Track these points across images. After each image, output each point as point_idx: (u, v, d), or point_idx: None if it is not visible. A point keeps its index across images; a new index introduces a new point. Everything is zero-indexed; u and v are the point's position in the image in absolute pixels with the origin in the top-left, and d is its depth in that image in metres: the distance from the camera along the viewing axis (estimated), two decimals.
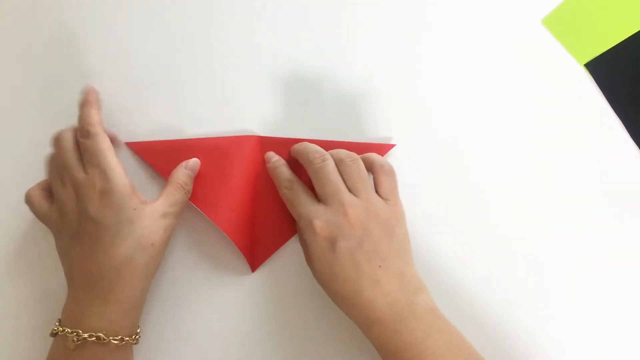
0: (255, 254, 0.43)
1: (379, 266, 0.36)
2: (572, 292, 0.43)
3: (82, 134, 0.38)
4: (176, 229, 0.42)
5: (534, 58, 0.47)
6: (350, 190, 0.38)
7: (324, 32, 0.48)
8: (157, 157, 0.44)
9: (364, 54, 0.47)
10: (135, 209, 0.37)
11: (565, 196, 0.45)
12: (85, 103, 0.40)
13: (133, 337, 0.37)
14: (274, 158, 0.43)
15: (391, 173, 0.40)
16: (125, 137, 0.44)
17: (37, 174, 0.44)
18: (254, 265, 0.43)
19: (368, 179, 0.39)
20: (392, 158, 0.45)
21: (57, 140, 0.40)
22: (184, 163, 0.42)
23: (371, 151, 0.43)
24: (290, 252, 0.44)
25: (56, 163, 0.39)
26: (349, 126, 0.46)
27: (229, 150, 0.44)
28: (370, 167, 0.40)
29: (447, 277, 0.43)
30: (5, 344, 0.42)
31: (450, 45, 0.48)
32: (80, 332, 0.35)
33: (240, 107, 0.46)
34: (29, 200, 0.40)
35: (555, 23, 0.48)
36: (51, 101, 0.46)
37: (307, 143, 0.42)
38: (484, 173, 0.45)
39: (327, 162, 0.39)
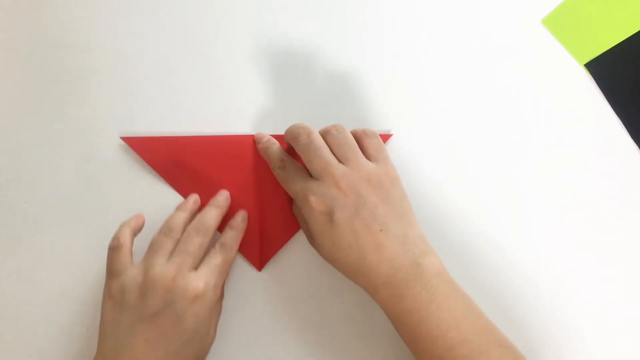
0: (261, 253, 0.43)
1: (380, 230, 0.36)
2: (571, 292, 0.43)
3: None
4: None
5: (534, 58, 0.47)
6: (339, 160, 0.38)
7: (321, 23, 0.48)
8: (153, 153, 0.43)
9: (364, 49, 0.47)
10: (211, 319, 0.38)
11: (565, 196, 0.45)
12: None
13: None
14: (265, 138, 0.43)
15: (373, 135, 0.40)
16: (120, 133, 0.44)
17: (38, 173, 0.44)
18: (261, 264, 0.43)
19: (357, 147, 0.39)
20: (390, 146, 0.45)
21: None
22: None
23: None
24: (296, 248, 0.44)
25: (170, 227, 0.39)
26: (347, 119, 0.45)
27: (227, 150, 0.44)
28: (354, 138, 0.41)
29: (452, 260, 0.42)
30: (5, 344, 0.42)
31: (450, 44, 0.48)
32: None
33: (236, 104, 0.46)
34: (118, 243, 0.38)
35: (555, 23, 0.48)
36: (51, 100, 0.46)
37: (293, 124, 0.41)
38: (483, 173, 0.45)
39: (313, 137, 0.39)
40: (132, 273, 0.37)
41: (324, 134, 0.40)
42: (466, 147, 0.46)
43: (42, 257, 0.43)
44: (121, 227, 0.39)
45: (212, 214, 0.40)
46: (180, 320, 0.35)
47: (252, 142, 0.44)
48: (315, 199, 0.37)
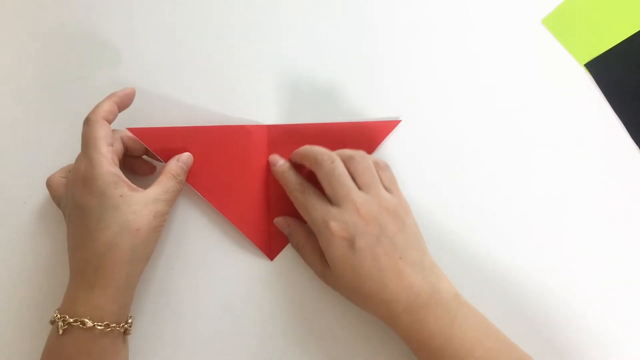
0: (272, 242, 0.43)
1: (399, 258, 0.37)
2: (570, 292, 0.43)
3: (84, 121, 0.39)
4: (192, 217, 0.44)
5: (534, 58, 0.47)
6: (360, 187, 0.39)
7: (331, 17, 0.48)
8: (161, 143, 0.43)
9: (368, 49, 0.48)
10: (121, 195, 0.37)
11: (565, 196, 0.45)
12: (109, 95, 0.41)
13: (121, 325, 0.37)
14: (280, 162, 0.43)
15: (386, 167, 0.41)
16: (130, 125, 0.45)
17: (38, 173, 0.44)
18: (272, 254, 0.43)
19: (377, 176, 0.40)
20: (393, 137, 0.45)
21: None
22: (176, 157, 0.42)
23: (378, 129, 0.44)
24: None
25: None
26: (354, 108, 0.46)
27: (236, 140, 0.44)
28: None
29: (453, 254, 0.43)
30: (5, 337, 0.42)
31: (450, 45, 0.48)
32: (67, 317, 0.35)
33: (244, 95, 0.46)
34: (48, 184, 0.42)
35: (555, 23, 0.48)
36: (52, 99, 0.46)
37: (311, 146, 0.42)
38: (483, 173, 0.45)
39: (336, 163, 0.39)
40: (77, 163, 0.39)
41: (347, 160, 0.40)
42: (466, 147, 0.46)
43: (42, 257, 0.43)
44: (104, 99, 0.40)
45: (103, 101, 0.40)
46: (81, 203, 0.37)
47: (260, 132, 0.44)
48: (336, 225, 0.37)
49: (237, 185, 0.43)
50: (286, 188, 0.42)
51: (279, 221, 0.43)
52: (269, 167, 0.44)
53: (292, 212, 0.43)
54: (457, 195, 0.45)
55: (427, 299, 0.36)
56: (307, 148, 0.41)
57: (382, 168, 0.41)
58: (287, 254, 0.44)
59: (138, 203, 0.37)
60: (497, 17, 0.48)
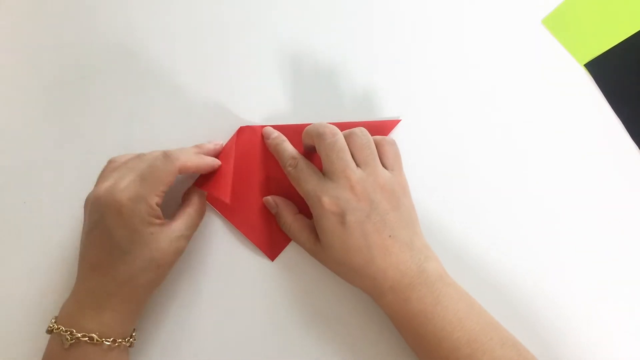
0: (273, 243, 0.43)
1: (389, 236, 0.37)
2: (570, 292, 0.43)
3: (164, 152, 0.39)
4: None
5: (534, 58, 0.47)
6: (358, 163, 0.39)
7: (331, 18, 0.48)
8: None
9: (371, 49, 0.48)
10: (152, 233, 0.37)
11: (565, 196, 0.45)
12: (199, 150, 0.41)
13: (127, 339, 0.37)
14: (274, 134, 0.43)
15: (393, 143, 0.41)
16: (122, 133, 0.44)
17: (38, 173, 0.44)
18: (273, 255, 0.43)
19: (376, 153, 0.40)
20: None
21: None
22: (199, 190, 0.42)
23: (378, 128, 0.44)
24: None
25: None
26: (354, 107, 0.46)
27: (237, 139, 0.44)
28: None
29: (452, 252, 0.43)
30: (4, 337, 0.42)
31: (450, 44, 0.48)
32: (74, 331, 0.35)
33: (241, 94, 0.46)
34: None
35: (555, 23, 0.48)
36: (52, 100, 0.46)
37: (316, 122, 0.41)
38: (482, 173, 0.45)
39: (337, 137, 0.39)
40: (103, 185, 0.37)
41: (348, 135, 0.40)
42: (465, 146, 0.46)
43: (42, 257, 0.43)
44: (196, 152, 0.41)
45: (189, 150, 0.40)
46: (110, 234, 0.36)
47: (257, 133, 0.44)
48: (328, 200, 0.37)
49: (236, 186, 0.43)
50: (280, 161, 0.42)
51: (268, 200, 0.43)
52: (268, 167, 0.44)
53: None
54: (456, 194, 0.45)
55: (413, 279, 0.36)
56: (313, 125, 0.41)
57: (388, 143, 0.41)
58: (288, 254, 0.44)
59: (165, 240, 0.37)
60: (497, 17, 0.48)
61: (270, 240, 0.43)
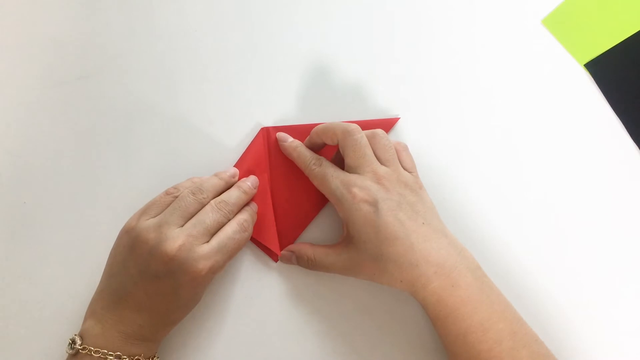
0: (278, 244, 0.43)
1: (423, 223, 0.37)
2: (570, 293, 0.43)
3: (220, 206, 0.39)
4: None
5: (534, 58, 0.47)
6: (381, 162, 0.39)
7: (327, 15, 0.48)
8: None
9: (366, 47, 0.48)
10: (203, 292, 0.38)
11: (565, 196, 0.45)
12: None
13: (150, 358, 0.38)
14: (290, 138, 0.43)
15: (406, 148, 0.42)
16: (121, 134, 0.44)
17: (38, 173, 0.44)
18: (276, 256, 0.43)
19: (396, 155, 0.40)
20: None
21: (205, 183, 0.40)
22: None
23: (377, 126, 0.44)
24: (312, 240, 0.44)
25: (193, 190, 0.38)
26: (353, 107, 0.46)
27: (260, 143, 0.44)
28: None
29: None
30: (3, 338, 0.42)
31: (450, 44, 0.48)
32: (107, 351, 0.35)
33: (242, 96, 0.46)
34: (173, 191, 0.39)
35: (555, 23, 0.48)
36: (52, 100, 0.46)
37: (333, 122, 0.41)
38: (482, 172, 0.45)
39: (363, 135, 0.40)
40: (148, 224, 0.36)
41: (371, 136, 0.40)
42: (465, 145, 0.46)
43: (42, 257, 0.43)
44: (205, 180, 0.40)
45: (237, 196, 0.40)
46: (176, 291, 0.35)
47: (260, 134, 0.44)
48: (358, 190, 0.37)
49: None
50: (301, 163, 0.42)
51: (284, 255, 0.43)
52: (270, 169, 0.44)
53: (296, 213, 0.43)
54: (456, 193, 0.45)
55: (457, 263, 0.36)
56: (330, 123, 0.41)
57: (403, 148, 0.42)
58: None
59: (205, 286, 0.38)
60: (497, 17, 0.48)
61: (275, 241, 0.43)
